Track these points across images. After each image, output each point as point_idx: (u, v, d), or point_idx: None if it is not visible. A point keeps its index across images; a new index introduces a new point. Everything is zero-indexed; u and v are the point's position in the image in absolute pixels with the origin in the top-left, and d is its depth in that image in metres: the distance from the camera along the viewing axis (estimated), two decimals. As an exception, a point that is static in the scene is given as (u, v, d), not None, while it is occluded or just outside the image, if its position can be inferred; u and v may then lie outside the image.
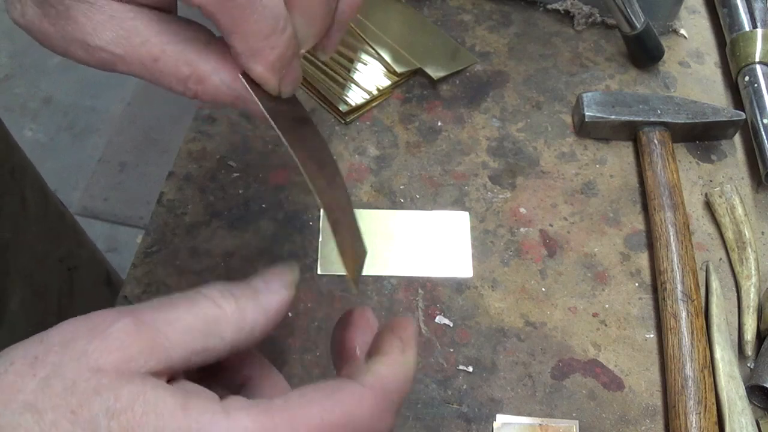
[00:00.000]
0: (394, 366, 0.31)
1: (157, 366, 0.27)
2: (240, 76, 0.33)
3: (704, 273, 0.56)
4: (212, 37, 0.34)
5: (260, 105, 0.33)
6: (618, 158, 0.63)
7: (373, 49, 0.67)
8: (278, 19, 0.31)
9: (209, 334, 0.29)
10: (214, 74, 0.33)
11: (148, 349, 0.27)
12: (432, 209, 0.59)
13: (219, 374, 0.33)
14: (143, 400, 0.26)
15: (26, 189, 0.65)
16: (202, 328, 0.28)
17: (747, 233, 0.56)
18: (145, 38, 0.32)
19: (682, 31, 0.72)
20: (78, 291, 0.73)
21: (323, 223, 0.57)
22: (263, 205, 0.58)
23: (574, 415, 0.49)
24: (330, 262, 0.55)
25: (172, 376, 0.28)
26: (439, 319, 0.53)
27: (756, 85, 0.64)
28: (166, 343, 0.27)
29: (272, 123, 0.33)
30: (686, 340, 0.50)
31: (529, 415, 0.49)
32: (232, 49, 0.32)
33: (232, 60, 0.33)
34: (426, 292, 0.54)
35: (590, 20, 0.71)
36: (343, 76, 0.65)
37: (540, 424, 0.48)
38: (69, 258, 0.73)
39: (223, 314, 0.29)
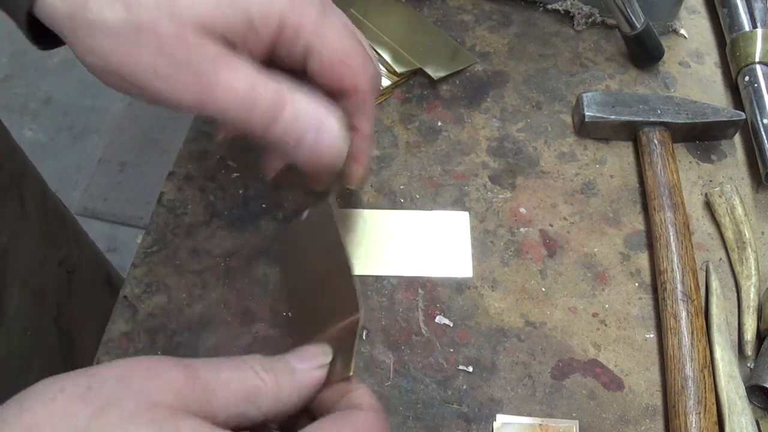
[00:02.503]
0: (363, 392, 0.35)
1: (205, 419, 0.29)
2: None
3: (704, 273, 0.56)
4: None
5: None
6: (618, 158, 0.63)
7: (373, 49, 0.67)
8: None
9: (249, 401, 0.31)
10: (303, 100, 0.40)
11: (198, 401, 0.29)
12: (432, 209, 0.59)
13: None
14: None
15: (25, 192, 0.65)
16: (244, 395, 0.31)
17: (747, 233, 0.56)
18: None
19: (682, 31, 0.72)
20: (77, 294, 0.73)
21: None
22: (263, 205, 0.58)
23: (574, 415, 0.49)
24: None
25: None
26: (439, 319, 0.53)
27: (756, 85, 0.64)
28: (213, 401, 0.29)
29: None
30: (686, 340, 0.50)
31: (529, 415, 0.49)
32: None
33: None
34: (426, 292, 0.54)
35: (590, 20, 0.71)
36: (343, 76, 0.65)
37: (540, 424, 0.48)
38: (68, 261, 0.72)
39: (263, 386, 0.32)
